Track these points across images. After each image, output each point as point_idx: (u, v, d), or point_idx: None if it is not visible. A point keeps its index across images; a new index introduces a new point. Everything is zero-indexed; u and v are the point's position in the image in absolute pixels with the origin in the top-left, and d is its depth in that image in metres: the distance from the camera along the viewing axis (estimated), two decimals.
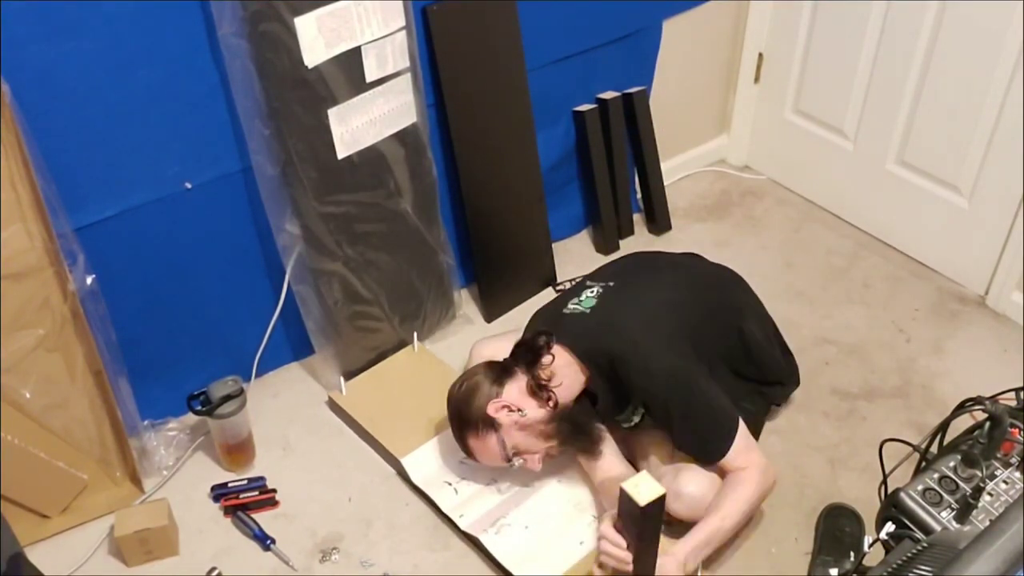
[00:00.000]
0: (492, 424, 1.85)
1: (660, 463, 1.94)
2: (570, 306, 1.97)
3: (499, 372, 1.90)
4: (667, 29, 2.63)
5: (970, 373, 2.34)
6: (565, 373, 1.88)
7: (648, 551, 1.65)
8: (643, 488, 1.57)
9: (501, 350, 2.17)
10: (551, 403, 1.86)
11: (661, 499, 1.57)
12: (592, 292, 1.98)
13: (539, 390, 1.86)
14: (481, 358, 2.17)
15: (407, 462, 2.04)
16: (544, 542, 1.92)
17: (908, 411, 2.26)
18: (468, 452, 1.93)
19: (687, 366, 1.85)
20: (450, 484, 2.02)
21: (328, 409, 2.27)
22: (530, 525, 1.94)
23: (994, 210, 2.44)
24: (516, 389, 1.88)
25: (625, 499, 1.58)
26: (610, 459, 1.95)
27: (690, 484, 1.85)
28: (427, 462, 2.06)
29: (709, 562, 1.86)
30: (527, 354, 1.89)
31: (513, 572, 1.86)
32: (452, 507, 1.97)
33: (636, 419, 1.96)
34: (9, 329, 1.79)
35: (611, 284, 1.99)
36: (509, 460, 1.89)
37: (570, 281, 2.63)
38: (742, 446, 1.84)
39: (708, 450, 1.85)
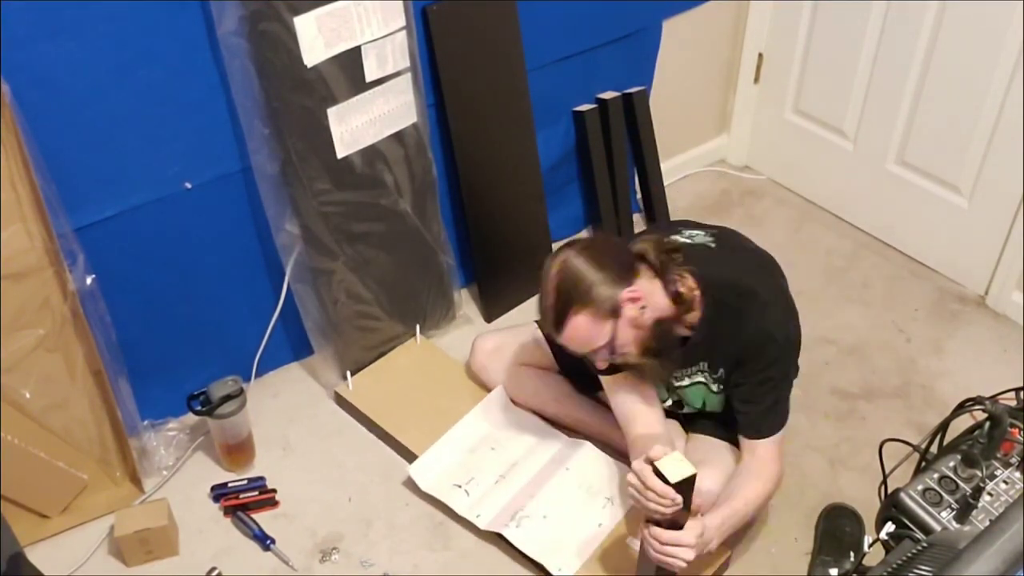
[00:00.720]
0: (616, 312, 1.70)
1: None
2: (684, 239, 1.84)
3: (623, 264, 1.74)
4: (667, 29, 2.63)
5: (970, 373, 2.35)
6: (688, 295, 1.77)
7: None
8: (674, 467, 1.57)
9: (505, 344, 2.19)
10: (680, 309, 1.74)
11: (691, 479, 1.56)
12: (701, 233, 1.87)
13: (679, 296, 1.73)
14: (484, 352, 2.20)
15: (413, 471, 2.04)
16: (566, 528, 1.93)
17: (908, 411, 2.26)
18: (556, 331, 1.73)
19: (799, 338, 1.84)
20: (460, 486, 2.02)
21: (328, 409, 2.27)
22: (548, 514, 1.96)
23: (994, 210, 2.44)
24: (647, 285, 1.74)
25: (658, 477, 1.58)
26: (652, 415, 1.91)
27: (706, 480, 1.84)
28: (432, 467, 2.06)
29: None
30: (660, 256, 1.75)
31: (542, 563, 1.87)
32: (467, 508, 1.97)
33: (686, 382, 1.91)
34: (9, 329, 1.79)
35: (714, 232, 1.88)
36: (602, 351, 1.74)
37: None
38: (780, 438, 1.85)
39: (766, 424, 1.83)
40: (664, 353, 1.79)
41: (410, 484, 2.06)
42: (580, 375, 2.15)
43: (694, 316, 1.78)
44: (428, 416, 2.17)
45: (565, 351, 2.13)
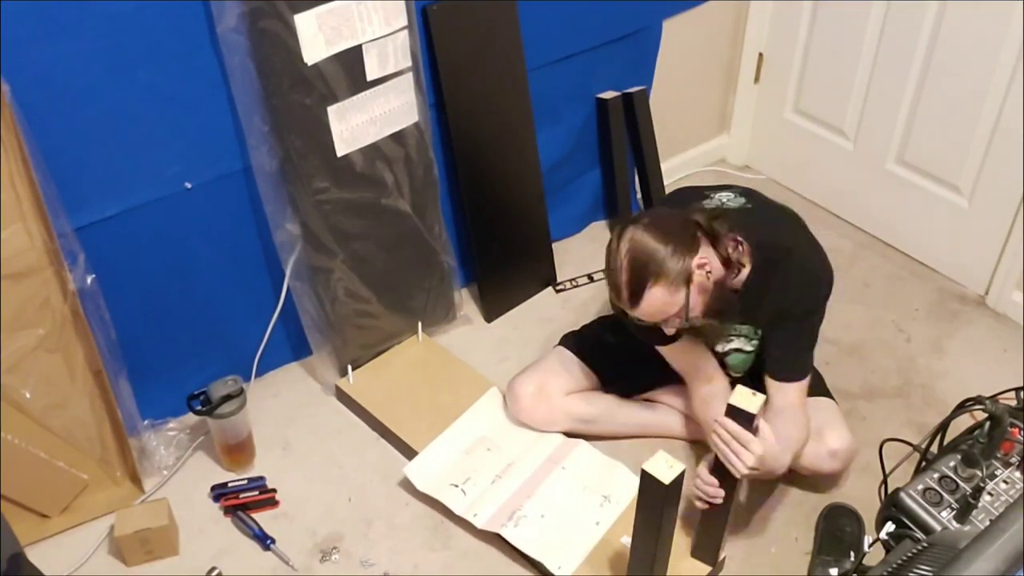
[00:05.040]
0: (688, 280, 1.75)
1: None
2: (717, 202, 1.92)
3: (685, 234, 1.78)
4: (667, 29, 2.63)
5: (970, 373, 2.34)
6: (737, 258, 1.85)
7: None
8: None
9: (545, 383, 2.11)
10: (735, 273, 1.82)
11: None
12: (731, 195, 1.93)
13: (729, 260, 1.81)
14: (527, 397, 2.11)
15: (409, 471, 2.04)
16: (563, 527, 1.94)
17: (908, 411, 2.26)
18: (632, 305, 1.76)
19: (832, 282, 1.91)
20: (456, 486, 2.02)
21: (328, 409, 2.27)
22: (545, 513, 1.96)
23: (994, 210, 2.44)
24: (706, 251, 1.80)
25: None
26: (717, 373, 2.03)
27: (838, 441, 1.95)
28: (429, 467, 2.06)
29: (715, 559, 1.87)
30: (710, 223, 1.81)
31: (541, 561, 1.88)
32: (464, 508, 1.97)
33: (728, 347, 2.00)
34: (9, 329, 1.79)
35: (742, 192, 1.95)
36: (674, 318, 1.80)
37: (570, 281, 2.63)
38: (805, 387, 1.91)
39: (799, 364, 1.90)
40: (724, 312, 1.85)
41: (409, 484, 2.06)
42: (621, 381, 2.16)
43: (741, 276, 1.83)
44: (428, 412, 2.17)
45: (609, 353, 2.15)
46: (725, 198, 1.92)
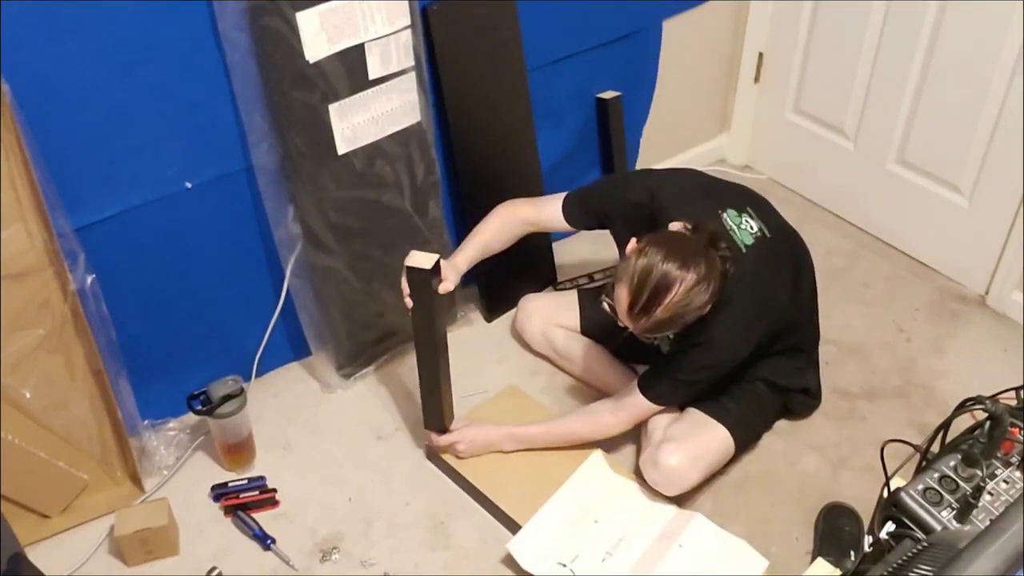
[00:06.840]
0: (701, 317, 1.83)
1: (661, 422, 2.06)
2: (730, 225, 1.92)
3: (712, 281, 1.79)
4: (667, 29, 2.63)
5: (970, 373, 2.34)
6: None
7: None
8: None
9: (543, 309, 2.36)
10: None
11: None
12: (752, 227, 1.94)
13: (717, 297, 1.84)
14: (526, 313, 2.37)
15: (514, 547, 1.88)
16: None
17: (908, 411, 2.26)
18: (645, 322, 1.78)
19: (734, 359, 1.95)
20: (564, 565, 1.86)
21: (328, 409, 2.27)
22: None
23: (994, 210, 2.44)
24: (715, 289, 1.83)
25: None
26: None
27: (671, 456, 1.94)
28: (534, 542, 1.90)
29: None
30: (724, 271, 1.82)
31: None
32: None
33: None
34: (9, 329, 1.79)
35: (767, 235, 1.95)
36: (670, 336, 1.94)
37: (570, 281, 2.63)
38: (649, 410, 2.01)
39: (653, 385, 1.99)
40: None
41: (410, 483, 2.06)
42: (601, 336, 2.28)
43: None
44: (528, 483, 2.02)
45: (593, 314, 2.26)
46: (744, 226, 1.94)
